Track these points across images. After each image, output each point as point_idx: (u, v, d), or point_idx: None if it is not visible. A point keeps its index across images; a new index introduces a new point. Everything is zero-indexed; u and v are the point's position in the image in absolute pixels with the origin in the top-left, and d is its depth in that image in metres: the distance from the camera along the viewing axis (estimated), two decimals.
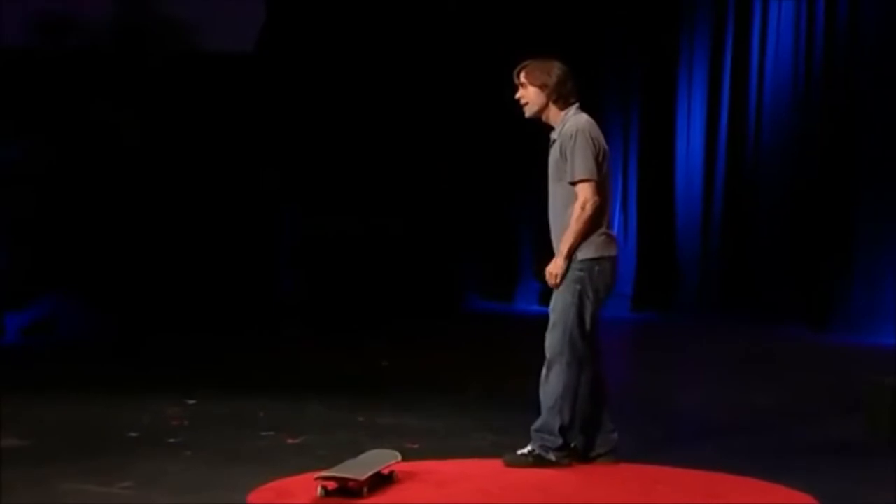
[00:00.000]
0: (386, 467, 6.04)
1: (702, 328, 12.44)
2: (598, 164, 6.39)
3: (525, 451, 6.45)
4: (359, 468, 5.87)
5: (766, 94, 12.96)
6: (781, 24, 12.85)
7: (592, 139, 6.40)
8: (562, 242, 6.41)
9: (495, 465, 6.51)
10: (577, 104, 6.52)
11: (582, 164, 6.36)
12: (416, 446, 6.80)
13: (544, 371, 6.47)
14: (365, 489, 5.77)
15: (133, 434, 7.23)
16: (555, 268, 6.40)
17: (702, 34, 13.43)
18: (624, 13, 13.85)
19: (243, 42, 13.63)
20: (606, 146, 6.48)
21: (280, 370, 9.80)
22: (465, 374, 9.72)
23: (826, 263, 12.33)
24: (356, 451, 6.27)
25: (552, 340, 6.44)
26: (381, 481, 5.96)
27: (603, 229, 6.44)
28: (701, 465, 6.52)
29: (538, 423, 6.47)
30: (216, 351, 10.91)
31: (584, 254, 6.40)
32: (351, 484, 5.76)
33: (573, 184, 6.37)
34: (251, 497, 5.79)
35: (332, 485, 5.77)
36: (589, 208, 6.34)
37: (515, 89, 6.58)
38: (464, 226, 14.54)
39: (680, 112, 13.58)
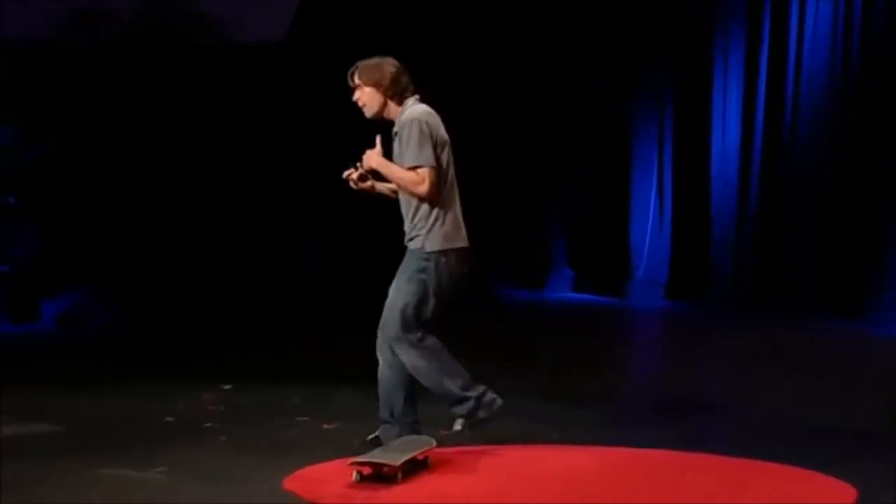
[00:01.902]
0: (420, 453, 6.05)
1: (735, 317, 12.40)
2: (436, 154, 6.35)
3: (458, 428, 6.47)
4: (394, 454, 5.88)
5: (802, 84, 12.90)
6: (819, 14, 12.78)
7: (429, 127, 6.34)
8: (388, 165, 6.35)
9: (526, 452, 6.53)
10: (416, 96, 6.46)
11: (418, 150, 6.30)
12: (448, 432, 6.80)
13: (389, 356, 6.41)
14: (399, 474, 5.78)
15: (168, 419, 7.28)
16: (376, 160, 6.37)
17: (738, 23, 13.39)
18: (659, 1, 13.84)
19: (275, 32, 13.64)
20: (446, 136, 6.41)
21: (312, 360, 9.83)
22: (497, 362, 9.72)
23: (860, 254, 12.28)
24: None
25: (388, 330, 6.38)
26: (416, 467, 5.97)
27: (449, 220, 6.38)
28: (734, 453, 6.50)
29: (448, 401, 6.43)
30: (248, 342, 10.96)
31: (431, 245, 6.35)
32: (386, 469, 5.77)
33: (411, 169, 6.31)
34: (287, 482, 5.81)
35: (366, 470, 5.78)
36: (424, 190, 6.29)
37: (352, 92, 6.48)
38: (496, 214, 14.53)
39: (715, 102, 13.54)
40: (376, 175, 6.49)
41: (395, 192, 6.56)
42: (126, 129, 12.97)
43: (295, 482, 5.82)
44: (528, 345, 10.89)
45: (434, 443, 6.20)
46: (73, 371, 9.37)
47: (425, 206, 6.36)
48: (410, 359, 6.38)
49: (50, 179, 12.87)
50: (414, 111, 6.39)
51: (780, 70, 13.06)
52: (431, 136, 6.34)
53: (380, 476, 5.76)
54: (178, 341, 11.10)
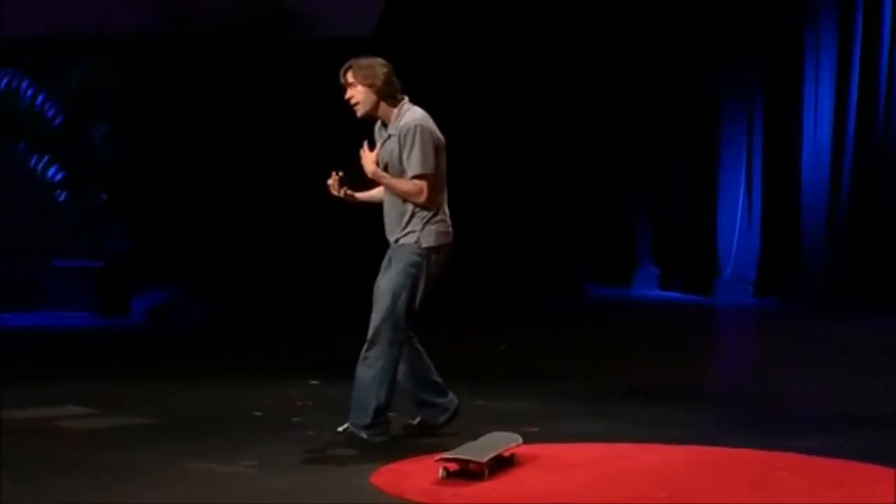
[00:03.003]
0: (507, 450, 6.06)
1: (826, 316, 12.28)
2: (437, 158, 6.44)
3: (340, 428, 6.54)
4: (480, 450, 5.89)
5: None
6: None
7: (430, 133, 6.44)
8: (386, 176, 6.42)
9: (613, 450, 6.51)
10: (406, 98, 6.53)
11: (422, 159, 6.39)
12: (535, 429, 6.80)
13: (365, 349, 6.48)
14: (486, 471, 5.79)
15: (257, 414, 7.36)
16: (371, 169, 6.43)
17: (829, 19, 13.24)
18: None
19: (362, 28, 13.65)
20: (443, 138, 6.50)
21: None
22: (582, 360, 9.71)
23: None
24: (475, 434, 6.28)
25: (377, 320, 6.45)
26: (502, 464, 5.98)
27: (441, 217, 6.49)
28: (822, 452, 6.42)
29: (353, 401, 6.50)
30: (337, 337, 11.03)
31: (425, 241, 6.46)
32: (472, 466, 5.78)
33: (413, 178, 6.40)
34: (373, 477, 5.84)
35: (453, 466, 5.80)
36: (423, 200, 6.41)
37: (343, 90, 6.53)
38: (582, 212, 14.50)
39: (807, 98, 13.40)
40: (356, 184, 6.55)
41: (373, 198, 6.68)
42: (216, 127, 13.08)
43: (381, 477, 5.85)
44: (615, 342, 10.85)
45: (520, 440, 6.21)
46: (161, 365, 9.49)
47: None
48: (378, 355, 6.43)
49: (144, 176, 13.00)
50: (414, 116, 6.48)
51: (873, 66, 12.89)
52: (433, 142, 6.45)
53: (466, 472, 5.78)
54: (265, 335, 11.21)
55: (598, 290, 14.29)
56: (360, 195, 6.72)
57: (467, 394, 7.96)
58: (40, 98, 12.91)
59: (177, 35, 13.26)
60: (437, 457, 5.86)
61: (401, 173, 6.48)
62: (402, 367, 6.59)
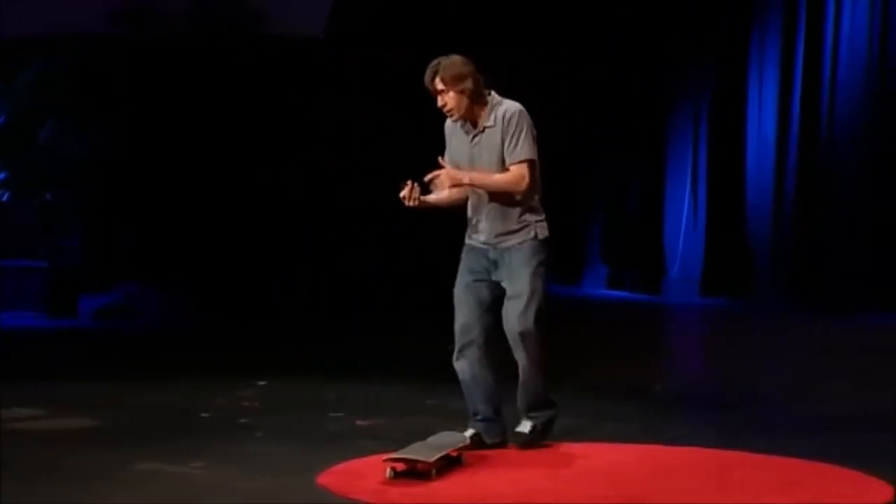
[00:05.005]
0: (455, 450, 6.05)
1: (774, 315, 12.35)
2: (537, 146, 6.38)
3: (527, 430, 6.46)
4: (428, 450, 5.88)
5: (839, 80, 12.85)
6: (856, 10, 12.72)
7: (531, 121, 6.36)
8: (481, 176, 6.31)
9: (565, 450, 6.50)
10: (493, 92, 6.39)
11: (528, 144, 6.31)
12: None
13: (520, 353, 6.40)
14: (434, 471, 5.78)
15: (204, 415, 7.32)
16: (458, 177, 6.30)
17: (774, 20, 13.34)
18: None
19: (312, 27, 13.61)
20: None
21: (352, 356, 9.83)
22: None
23: None
24: (426, 435, 6.27)
25: (526, 320, 6.36)
26: (450, 464, 5.96)
27: (542, 209, 6.46)
28: (773, 450, 6.44)
29: (530, 401, 6.45)
30: (280, 337, 11.00)
31: (542, 233, 6.42)
32: (420, 466, 5.77)
33: (517, 163, 6.30)
34: (320, 478, 5.81)
35: (400, 466, 5.78)
36: (524, 187, 6.31)
37: (433, 96, 6.35)
38: (582, 211, 14.52)
39: (751, 98, 13.50)
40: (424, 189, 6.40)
41: (442, 201, 6.48)
42: (167, 124, 13.01)
43: (329, 478, 5.83)
44: (565, 340, 10.85)
45: (468, 440, 6.20)
46: (108, 366, 9.43)
47: (534, 198, 6.39)
48: (536, 352, 6.41)
49: (93, 175, 12.91)
50: (513, 104, 6.37)
51: (817, 66, 13.01)
52: (533, 130, 6.36)
53: (414, 472, 5.76)
54: (212, 337, 11.16)
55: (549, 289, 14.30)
56: (431, 198, 6.44)
57: (417, 392, 7.97)
58: None
59: (132, 33, 13.18)
60: (385, 457, 5.84)
61: (495, 165, 6.32)
62: (482, 372, 6.47)
